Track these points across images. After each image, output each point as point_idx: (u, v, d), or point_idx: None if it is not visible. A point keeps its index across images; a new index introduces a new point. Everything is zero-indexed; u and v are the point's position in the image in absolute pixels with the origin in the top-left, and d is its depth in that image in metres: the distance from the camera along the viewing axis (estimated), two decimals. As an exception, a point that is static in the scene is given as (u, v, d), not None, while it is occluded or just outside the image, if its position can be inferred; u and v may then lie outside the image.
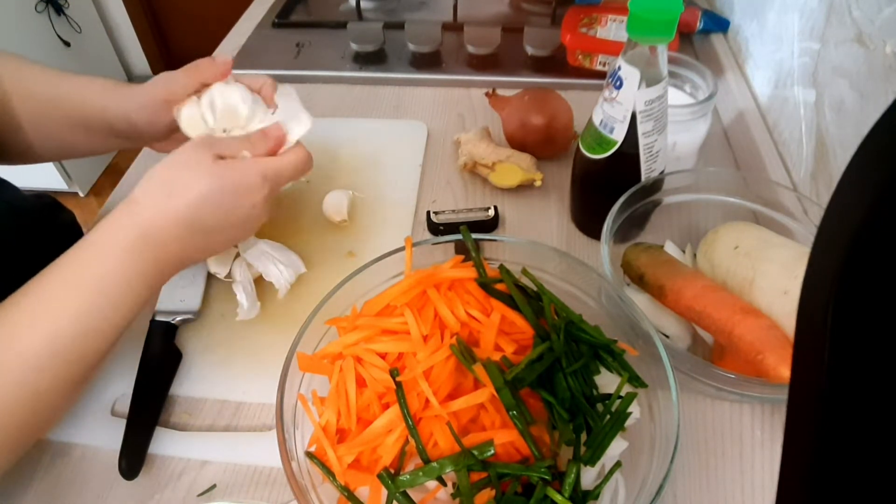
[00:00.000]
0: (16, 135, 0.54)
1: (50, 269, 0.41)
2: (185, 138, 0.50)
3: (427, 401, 0.38)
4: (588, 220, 0.61)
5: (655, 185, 0.53)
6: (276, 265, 0.53)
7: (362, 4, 0.97)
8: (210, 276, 0.57)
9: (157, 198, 0.43)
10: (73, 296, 0.40)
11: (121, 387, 0.50)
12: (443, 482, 0.37)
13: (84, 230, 0.66)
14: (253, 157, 0.47)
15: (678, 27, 0.45)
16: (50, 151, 0.58)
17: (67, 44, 1.99)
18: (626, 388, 0.40)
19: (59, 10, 1.94)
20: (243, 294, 0.52)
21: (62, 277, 0.40)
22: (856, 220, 0.16)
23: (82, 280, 0.40)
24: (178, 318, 0.53)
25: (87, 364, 0.41)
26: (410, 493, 0.37)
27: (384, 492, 0.37)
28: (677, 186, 0.56)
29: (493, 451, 0.36)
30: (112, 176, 2.15)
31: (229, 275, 0.53)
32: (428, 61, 0.86)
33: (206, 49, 0.93)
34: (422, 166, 0.69)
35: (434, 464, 0.36)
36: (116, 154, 2.23)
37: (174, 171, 0.44)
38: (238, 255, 0.53)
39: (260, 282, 0.55)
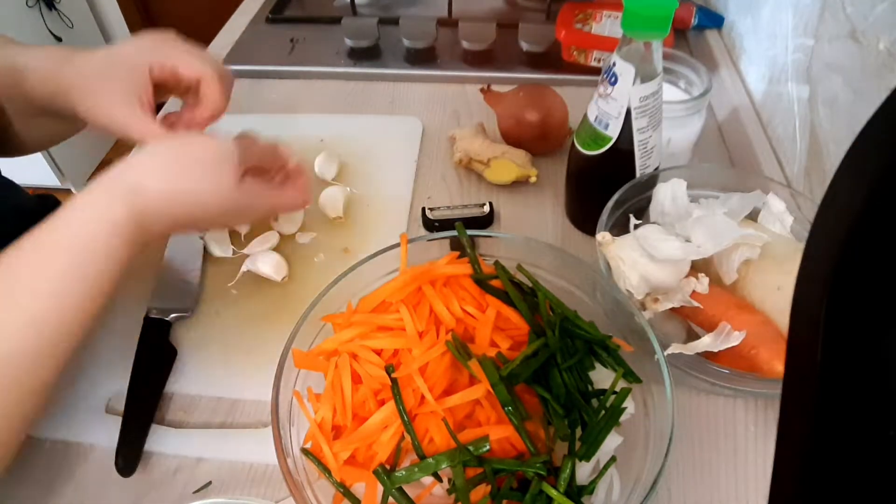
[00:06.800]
0: (7, 129, 0.53)
1: (32, 235, 0.38)
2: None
3: (423, 397, 0.38)
4: (583, 216, 0.61)
5: (650, 181, 0.54)
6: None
7: (356, 0, 0.97)
8: (204, 274, 0.57)
9: (161, 197, 0.41)
10: (53, 259, 0.37)
11: (115, 385, 0.50)
12: (438, 478, 0.37)
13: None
14: (271, 191, 0.47)
15: (673, 23, 0.45)
16: (36, 140, 0.57)
17: (59, 39, 1.97)
18: (621, 384, 0.40)
19: (51, 5, 1.92)
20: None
21: (41, 242, 0.38)
22: (850, 216, 0.16)
23: (65, 244, 0.38)
24: (173, 316, 0.53)
25: (66, 333, 0.38)
26: (406, 489, 0.37)
27: (380, 488, 0.37)
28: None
29: (488, 447, 0.36)
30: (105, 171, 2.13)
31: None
32: (423, 57, 0.86)
33: (200, 45, 0.93)
34: (417, 162, 0.69)
35: (430, 460, 0.36)
36: (110, 149, 2.21)
37: (192, 175, 0.42)
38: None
39: (257, 279, 0.55)
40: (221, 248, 0.59)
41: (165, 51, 0.49)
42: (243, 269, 0.56)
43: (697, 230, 0.47)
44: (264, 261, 0.56)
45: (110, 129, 0.48)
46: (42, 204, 0.64)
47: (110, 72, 0.47)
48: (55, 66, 0.48)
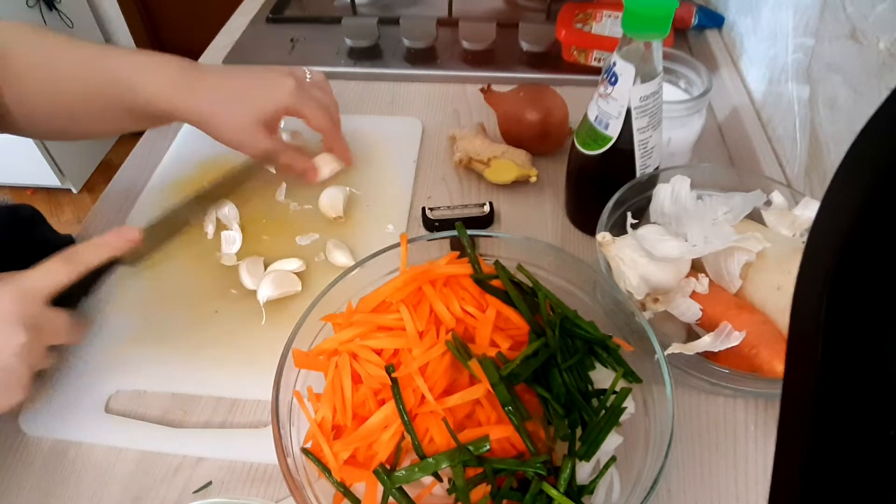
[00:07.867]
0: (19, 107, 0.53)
1: None
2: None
3: (423, 397, 0.38)
4: (583, 215, 0.61)
5: (650, 180, 0.54)
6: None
7: (356, 0, 0.97)
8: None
9: None
10: None
11: (114, 384, 0.50)
12: (439, 478, 0.37)
13: (74, 232, 0.64)
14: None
15: (673, 23, 0.45)
16: (50, 130, 0.58)
17: (59, 39, 1.97)
18: (621, 384, 0.40)
19: (51, 5, 1.92)
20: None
21: None
22: (850, 216, 0.16)
23: None
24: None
25: None
26: (406, 488, 0.37)
27: (380, 488, 0.37)
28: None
29: (488, 447, 0.36)
30: (105, 172, 2.13)
31: None
32: (423, 57, 0.86)
33: (200, 45, 0.93)
34: (417, 162, 0.69)
35: (430, 459, 0.36)
36: (110, 150, 2.21)
37: None
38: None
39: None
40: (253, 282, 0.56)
41: (300, 100, 0.55)
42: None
43: (693, 228, 0.47)
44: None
45: (239, 149, 0.55)
46: (12, 216, 0.63)
47: (244, 105, 0.54)
48: (175, 90, 0.52)
